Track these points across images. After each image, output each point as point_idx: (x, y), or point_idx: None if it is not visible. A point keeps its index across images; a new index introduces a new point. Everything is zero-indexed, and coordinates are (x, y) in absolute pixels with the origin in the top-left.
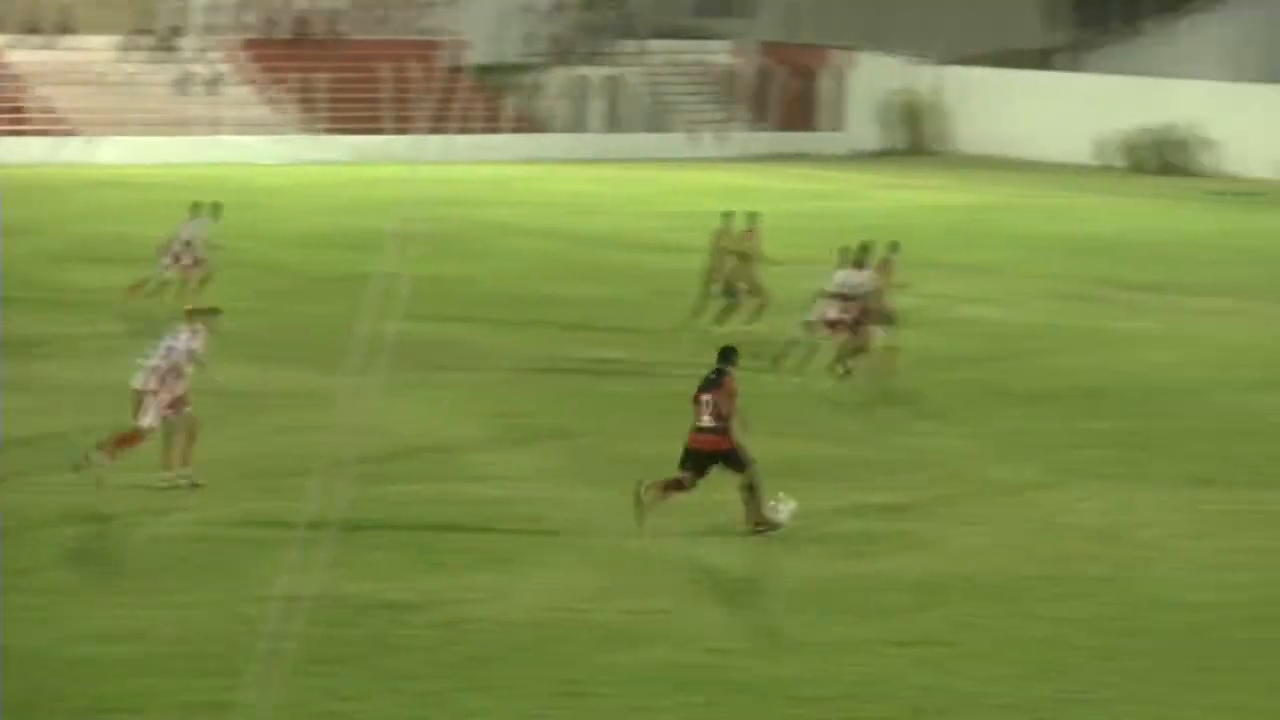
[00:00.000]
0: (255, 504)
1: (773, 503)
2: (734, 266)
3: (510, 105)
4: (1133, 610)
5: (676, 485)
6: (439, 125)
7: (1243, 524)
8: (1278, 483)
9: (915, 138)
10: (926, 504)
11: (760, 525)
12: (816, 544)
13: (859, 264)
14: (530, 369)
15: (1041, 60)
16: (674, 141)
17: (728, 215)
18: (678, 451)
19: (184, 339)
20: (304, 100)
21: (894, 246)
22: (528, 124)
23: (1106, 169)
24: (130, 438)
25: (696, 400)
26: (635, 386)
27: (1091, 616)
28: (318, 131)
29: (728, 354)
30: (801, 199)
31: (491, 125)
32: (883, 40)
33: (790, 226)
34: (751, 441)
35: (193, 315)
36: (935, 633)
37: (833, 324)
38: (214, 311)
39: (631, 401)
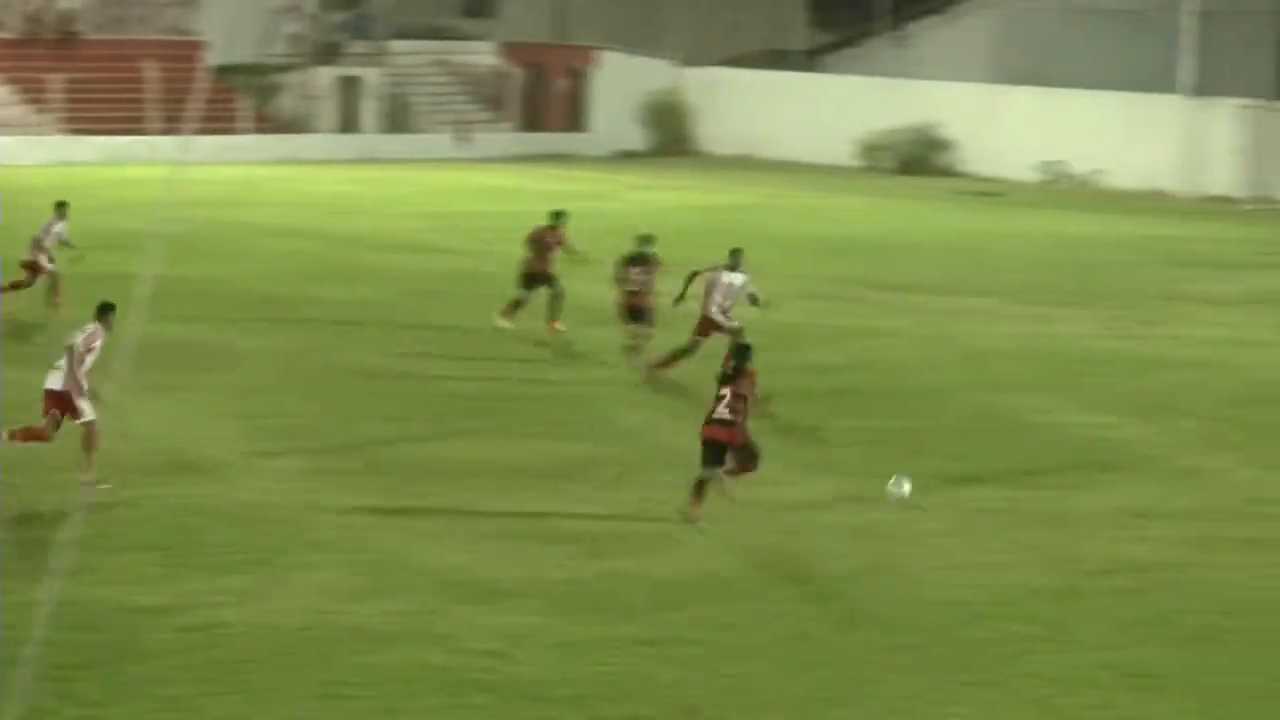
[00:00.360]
0: None
1: (894, 478)
2: (532, 262)
3: (270, 106)
4: (885, 608)
5: (700, 486)
6: (198, 126)
7: (996, 522)
8: (1029, 481)
9: (675, 139)
10: (676, 502)
11: (691, 517)
12: (565, 544)
13: (732, 266)
14: (286, 371)
15: (801, 62)
16: (437, 142)
17: (558, 214)
18: (444, 452)
19: (81, 339)
20: (61, 101)
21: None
22: (289, 125)
23: (861, 169)
24: (39, 432)
25: (717, 394)
26: (393, 387)
27: (843, 613)
28: (75, 132)
29: (743, 350)
30: (562, 200)
31: (260, 125)
32: (645, 42)
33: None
34: (529, 444)
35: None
36: (683, 631)
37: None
38: (110, 308)
39: (389, 402)
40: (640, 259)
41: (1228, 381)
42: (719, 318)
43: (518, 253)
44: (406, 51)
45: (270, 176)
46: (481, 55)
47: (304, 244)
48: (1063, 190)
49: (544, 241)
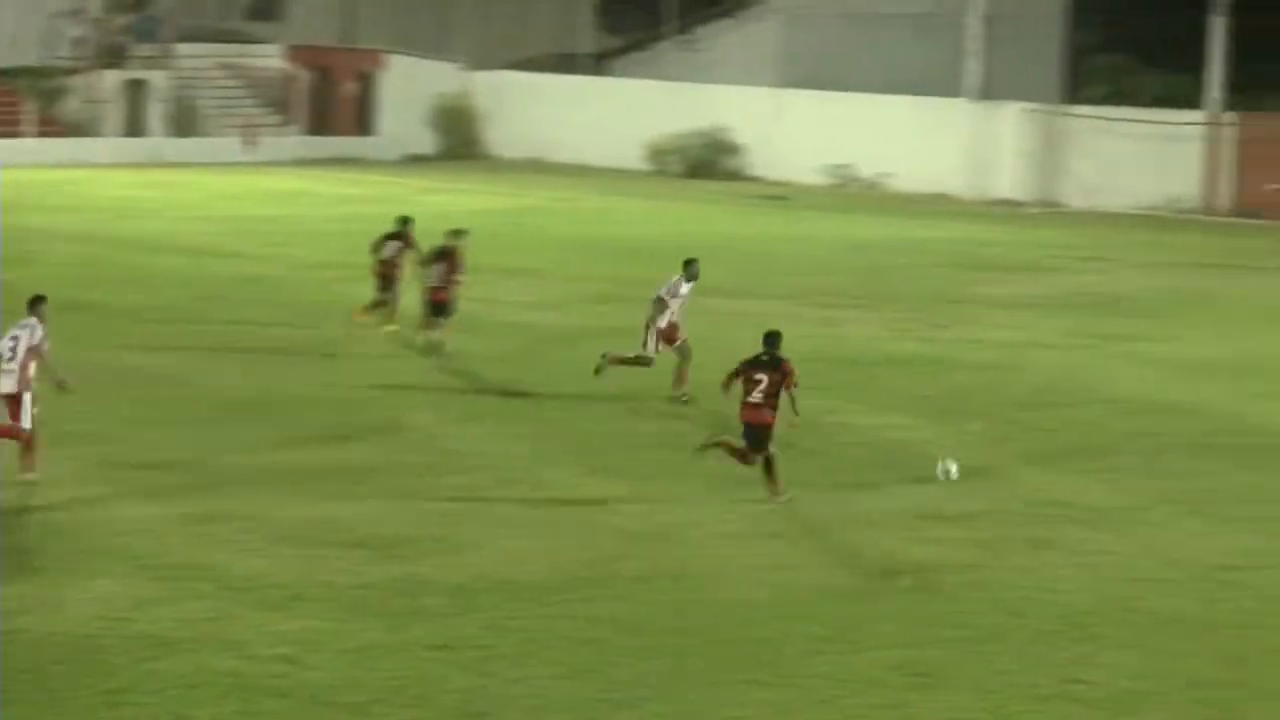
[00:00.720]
0: None
1: (941, 463)
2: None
3: (55, 109)
4: (673, 609)
5: (741, 456)
6: None
7: (785, 522)
8: (819, 482)
9: (464, 142)
10: (466, 506)
11: (774, 498)
12: (356, 549)
13: (690, 277)
14: (73, 377)
15: (590, 65)
16: (225, 146)
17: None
18: (235, 457)
19: (38, 338)
20: None
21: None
22: (75, 128)
23: (650, 173)
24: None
25: (749, 378)
26: (183, 392)
27: (632, 617)
28: None
29: (773, 338)
30: (352, 203)
31: (45, 129)
32: (433, 45)
33: (342, 230)
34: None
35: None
36: (473, 636)
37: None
38: (42, 299)
39: (179, 407)
40: (444, 254)
41: (1016, 383)
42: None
43: (305, 255)
44: (193, 54)
45: (56, 180)
46: (268, 58)
47: (91, 248)
48: (850, 193)
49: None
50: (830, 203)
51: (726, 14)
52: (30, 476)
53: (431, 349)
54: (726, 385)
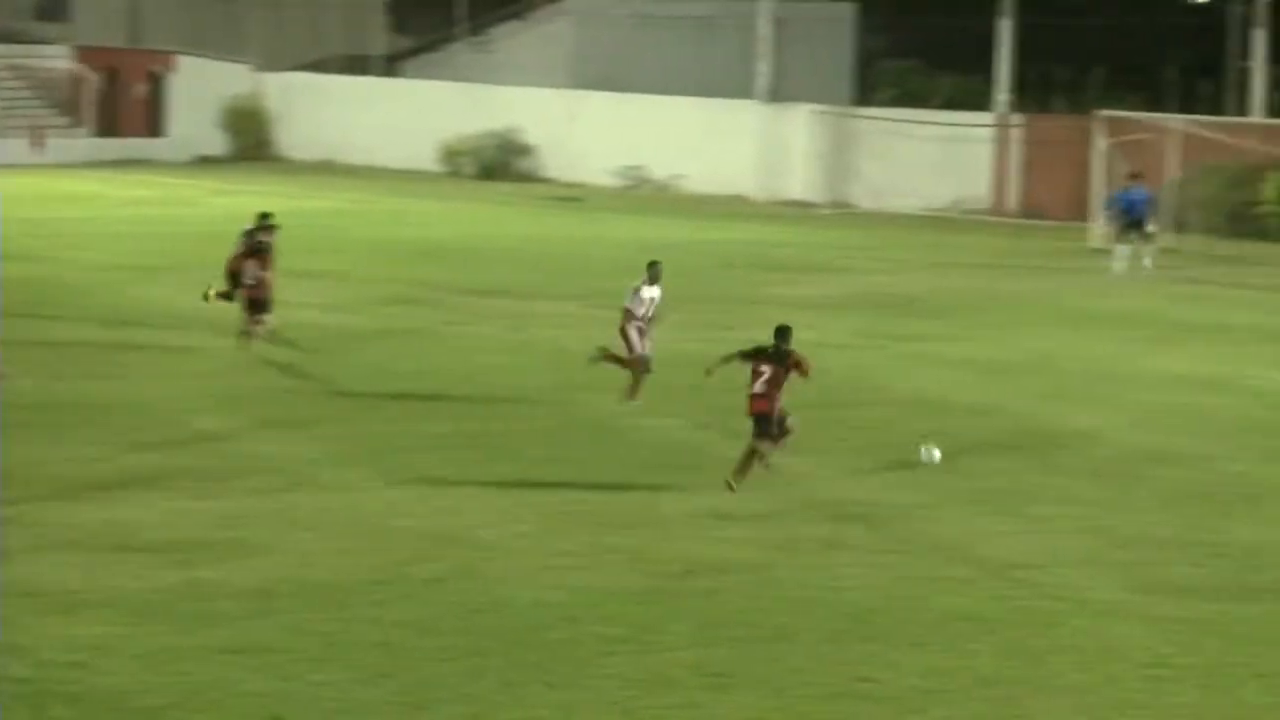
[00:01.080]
0: None
1: (923, 448)
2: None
3: None
4: (467, 611)
5: (771, 439)
6: None
7: (580, 524)
8: (613, 483)
9: (256, 144)
10: (260, 510)
11: (734, 481)
12: (146, 553)
13: (651, 280)
14: None
15: (382, 67)
16: (11, 147)
17: (269, 228)
18: (11, 463)
19: None
20: None
21: (265, 215)
22: None
23: (444, 175)
24: None
25: (755, 369)
26: None
27: (425, 618)
28: None
29: (784, 332)
30: (143, 205)
31: None
32: (223, 46)
33: (133, 233)
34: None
35: None
36: (268, 639)
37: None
38: None
39: None
40: (257, 250)
41: (811, 383)
42: (633, 333)
43: (97, 258)
44: None
45: None
46: (56, 59)
47: None
48: (642, 195)
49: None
50: (623, 204)
51: (518, 15)
52: None
53: (272, 340)
54: (727, 360)
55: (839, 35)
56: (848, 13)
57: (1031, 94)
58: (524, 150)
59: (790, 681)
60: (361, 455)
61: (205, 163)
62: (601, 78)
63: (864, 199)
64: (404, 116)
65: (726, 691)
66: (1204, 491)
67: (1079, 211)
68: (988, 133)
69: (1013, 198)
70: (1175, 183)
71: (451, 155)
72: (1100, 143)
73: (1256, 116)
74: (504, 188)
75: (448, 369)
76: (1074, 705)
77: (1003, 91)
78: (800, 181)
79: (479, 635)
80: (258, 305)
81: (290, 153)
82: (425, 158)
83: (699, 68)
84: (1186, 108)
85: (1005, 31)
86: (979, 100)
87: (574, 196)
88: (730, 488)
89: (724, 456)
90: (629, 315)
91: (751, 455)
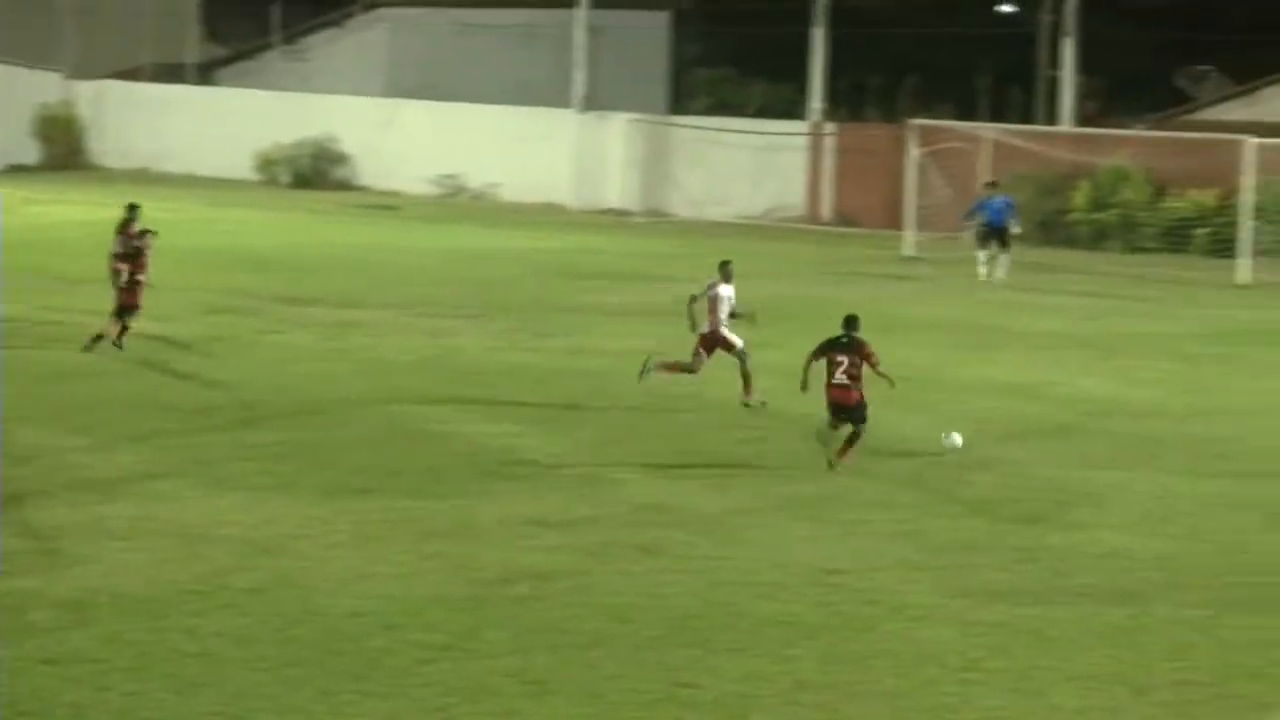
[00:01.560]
0: None
1: (945, 435)
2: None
3: None
4: (285, 620)
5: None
6: None
7: (400, 532)
8: (432, 491)
9: (69, 152)
10: (77, 521)
11: (836, 463)
12: None
13: (726, 279)
14: None
15: (196, 75)
16: None
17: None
18: None
19: None
20: None
21: (133, 207)
22: None
23: (260, 183)
24: None
25: (831, 359)
26: None
27: (243, 628)
28: None
29: (852, 321)
30: None
31: None
32: (33, 53)
33: None
34: None
35: None
36: (84, 649)
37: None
38: None
39: None
40: (130, 255)
41: (625, 391)
42: (726, 332)
43: None
44: None
45: None
46: None
47: None
48: (459, 204)
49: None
50: (439, 213)
51: (334, 23)
52: None
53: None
54: (807, 366)
55: (655, 44)
56: (663, 21)
57: (845, 103)
58: (340, 159)
59: (609, 688)
60: (180, 465)
61: (16, 171)
62: (418, 86)
63: (681, 208)
64: (219, 125)
65: (545, 698)
66: (1014, 497)
67: (892, 219)
68: (802, 141)
69: (826, 206)
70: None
71: (267, 164)
72: (913, 151)
73: (1066, 125)
74: (319, 196)
75: (265, 378)
76: (890, 709)
77: (816, 100)
78: (617, 190)
79: (297, 645)
80: (127, 310)
81: (105, 161)
82: (241, 166)
83: (517, 76)
84: (997, 116)
85: (818, 41)
86: (793, 109)
87: (390, 205)
88: (831, 467)
89: (540, 464)
90: (714, 307)
91: (855, 440)
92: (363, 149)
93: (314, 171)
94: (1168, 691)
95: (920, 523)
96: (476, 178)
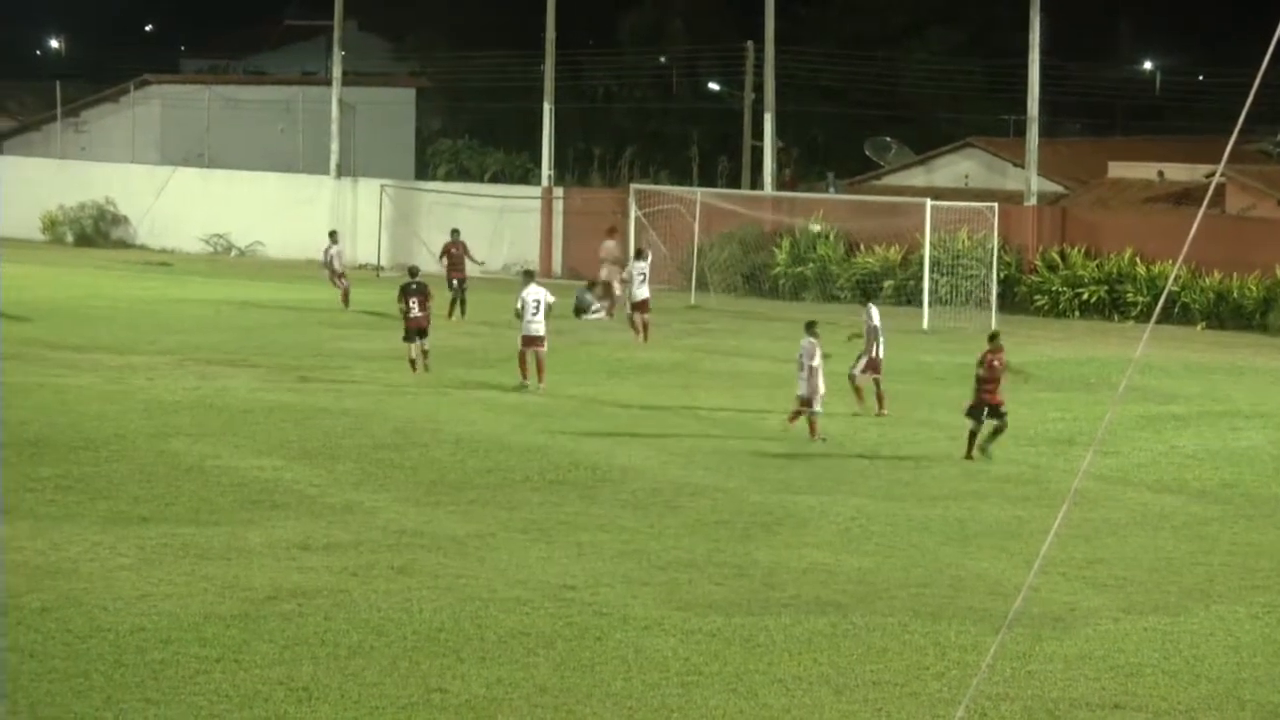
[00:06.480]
0: None
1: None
2: None
3: None
4: (74, 636)
5: (974, 434)
6: None
7: (175, 556)
8: (204, 519)
9: None
10: None
11: (979, 455)
12: None
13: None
14: None
15: None
16: None
17: None
18: None
19: None
20: None
21: None
22: None
23: (46, 243)
24: None
25: (990, 364)
26: None
27: (34, 643)
28: None
29: (996, 334)
30: None
31: None
32: None
33: None
34: None
35: None
36: None
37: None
38: None
39: None
40: None
41: (380, 428)
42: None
43: None
44: None
45: None
46: None
47: None
48: (227, 261)
49: None
50: (210, 269)
51: (111, 99)
52: None
53: None
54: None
55: (402, 117)
56: (409, 97)
57: (573, 169)
58: (119, 220)
59: (369, 694)
60: None
61: None
62: (189, 154)
63: (431, 263)
64: (8, 189)
65: (311, 704)
66: (727, 519)
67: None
68: (535, 204)
69: (558, 260)
70: (701, 247)
71: (53, 225)
72: (633, 211)
73: (768, 189)
74: (100, 254)
75: (51, 418)
76: (620, 710)
77: (546, 167)
78: (368, 247)
79: (85, 659)
80: None
81: None
82: (30, 226)
83: (279, 146)
84: (708, 181)
85: (547, 115)
86: (526, 174)
87: (164, 262)
88: (972, 458)
89: (303, 494)
90: (874, 337)
91: (997, 434)
92: (139, 211)
93: (96, 231)
94: (865, 691)
95: (643, 543)
96: (243, 237)
